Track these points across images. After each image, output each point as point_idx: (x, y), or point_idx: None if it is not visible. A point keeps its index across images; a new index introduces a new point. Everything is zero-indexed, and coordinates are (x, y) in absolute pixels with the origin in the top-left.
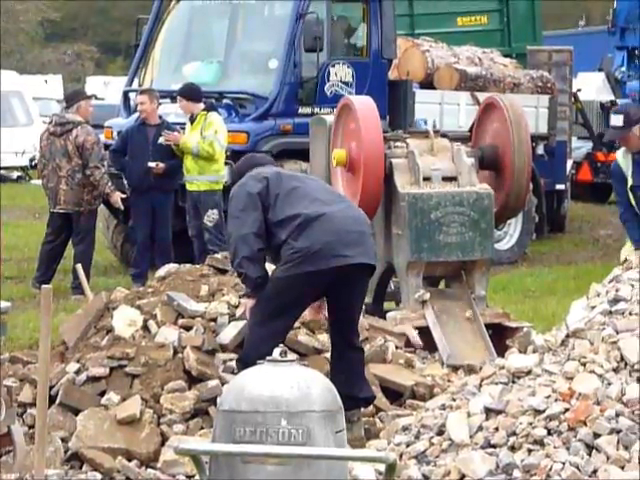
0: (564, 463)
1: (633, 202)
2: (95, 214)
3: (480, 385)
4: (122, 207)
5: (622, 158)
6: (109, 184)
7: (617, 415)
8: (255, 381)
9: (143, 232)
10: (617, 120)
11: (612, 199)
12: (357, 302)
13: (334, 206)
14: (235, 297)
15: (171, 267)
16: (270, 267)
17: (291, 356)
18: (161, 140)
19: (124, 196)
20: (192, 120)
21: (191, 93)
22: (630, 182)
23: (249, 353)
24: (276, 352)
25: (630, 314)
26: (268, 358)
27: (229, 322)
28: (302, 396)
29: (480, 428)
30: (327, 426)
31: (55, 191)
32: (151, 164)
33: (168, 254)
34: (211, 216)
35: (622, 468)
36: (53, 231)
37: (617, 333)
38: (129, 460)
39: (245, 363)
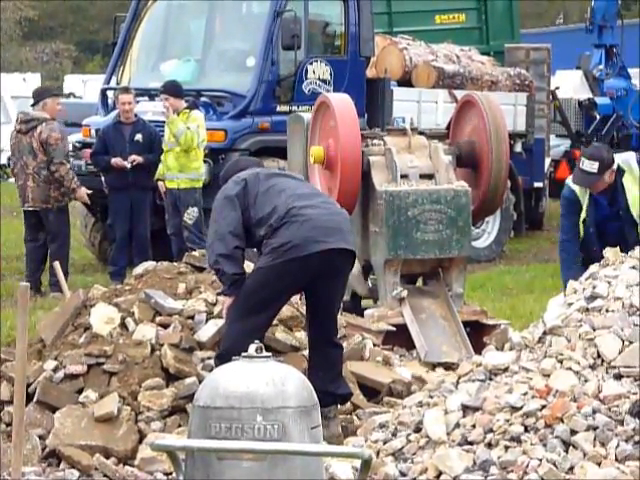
0: (541, 460)
1: (582, 235)
2: (65, 211)
3: (457, 382)
4: (89, 202)
5: (579, 189)
6: (75, 179)
7: (594, 412)
8: (230, 377)
9: (121, 230)
10: (592, 166)
11: None
12: (337, 295)
13: (312, 200)
14: (212, 295)
15: (149, 265)
16: (249, 266)
17: (266, 353)
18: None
19: (90, 192)
20: None
21: (175, 90)
22: (584, 215)
23: (229, 349)
24: (251, 348)
25: (607, 311)
26: (243, 354)
27: (207, 320)
28: (277, 392)
29: (457, 425)
30: (302, 422)
31: (24, 189)
32: (127, 163)
33: (146, 252)
34: (191, 214)
35: (599, 465)
36: (29, 230)
37: (594, 330)
38: (107, 457)
39: (225, 360)
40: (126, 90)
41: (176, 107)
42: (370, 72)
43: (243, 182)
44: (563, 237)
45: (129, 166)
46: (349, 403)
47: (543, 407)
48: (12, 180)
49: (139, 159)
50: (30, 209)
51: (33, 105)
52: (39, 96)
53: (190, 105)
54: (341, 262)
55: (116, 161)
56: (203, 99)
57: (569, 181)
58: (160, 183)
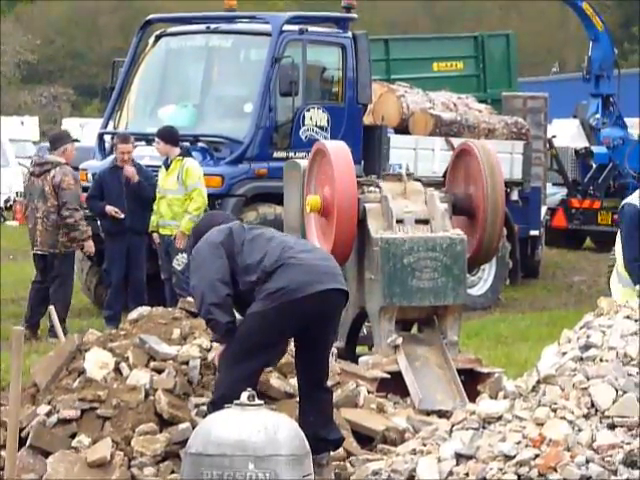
0: None
1: None
2: (72, 257)
3: (451, 430)
4: (92, 253)
5: None
6: (88, 231)
7: (587, 461)
8: (222, 425)
9: (117, 274)
10: None
11: (587, 245)
12: (330, 337)
13: (302, 246)
14: (207, 340)
15: (143, 310)
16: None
17: (259, 400)
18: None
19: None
20: (167, 165)
21: (170, 136)
22: None
23: (223, 396)
24: (244, 396)
25: (601, 360)
26: (235, 402)
27: (200, 365)
28: (269, 440)
29: (450, 473)
30: (294, 470)
31: (33, 232)
32: (121, 214)
33: (141, 296)
34: (180, 260)
35: None
36: (39, 273)
37: (588, 379)
38: None
39: (219, 407)
40: (125, 140)
41: (166, 152)
42: (367, 119)
43: (228, 230)
44: (633, 255)
45: (122, 216)
46: (342, 450)
47: (537, 456)
48: (10, 223)
49: (135, 178)
50: (39, 253)
51: (53, 150)
52: (59, 141)
53: (183, 152)
54: (336, 302)
55: (110, 210)
56: (200, 144)
57: (630, 200)
58: (155, 235)
